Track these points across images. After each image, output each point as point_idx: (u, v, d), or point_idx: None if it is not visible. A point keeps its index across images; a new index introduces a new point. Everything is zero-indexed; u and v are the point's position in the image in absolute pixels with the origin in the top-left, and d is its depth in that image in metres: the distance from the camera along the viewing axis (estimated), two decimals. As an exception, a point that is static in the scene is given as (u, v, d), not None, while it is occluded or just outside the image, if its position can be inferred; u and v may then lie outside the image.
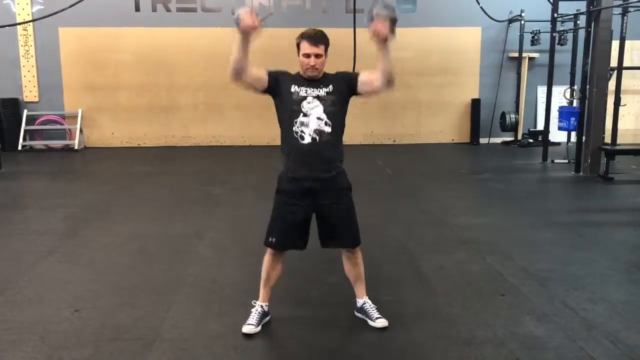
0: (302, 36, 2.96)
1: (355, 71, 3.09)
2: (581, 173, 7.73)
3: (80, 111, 10.34)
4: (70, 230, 5.14)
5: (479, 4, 9.40)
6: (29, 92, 10.36)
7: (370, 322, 3.15)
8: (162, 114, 10.66)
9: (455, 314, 3.33)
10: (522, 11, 10.47)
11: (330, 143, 2.99)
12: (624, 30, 8.17)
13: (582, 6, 8.77)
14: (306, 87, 2.99)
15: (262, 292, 3.21)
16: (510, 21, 10.75)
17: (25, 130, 10.21)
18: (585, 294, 3.60)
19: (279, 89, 3.01)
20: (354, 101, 3.12)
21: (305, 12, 10.47)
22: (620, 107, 8.12)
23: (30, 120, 10.30)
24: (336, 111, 3.00)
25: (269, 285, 3.20)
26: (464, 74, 10.99)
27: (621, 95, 8.14)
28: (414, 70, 10.44)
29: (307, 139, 2.94)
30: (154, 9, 10.36)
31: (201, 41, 10.46)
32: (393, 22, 2.75)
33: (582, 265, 4.19)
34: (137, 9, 10.32)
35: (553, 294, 3.61)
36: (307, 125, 2.95)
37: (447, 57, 10.82)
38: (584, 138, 7.82)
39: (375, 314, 3.16)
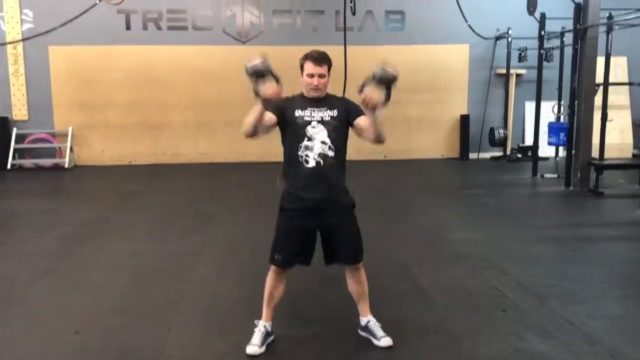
0: (306, 57, 3.04)
1: (359, 108, 3.01)
2: (571, 187, 7.83)
3: (70, 129, 10.28)
4: (65, 250, 5.09)
5: (466, 22, 9.56)
6: (18, 111, 10.29)
7: (375, 341, 3.15)
8: (153, 132, 10.64)
9: (457, 331, 3.35)
10: (509, 29, 10.63)
11: (333, 166, 3.04)
12: (609, 48, 8.35)
13: (567, 24, 8.95)
14: (310, 109, 3.04)
15: (265, 311, 3.20)
16: (498, 38, 10.92)
17: (15, 149, 10.13)
18: (584, 309, 3.64)
19: (285, 115, 3.06)
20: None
21: (296, 30, 10.56)
22: (607, 122, 8.26)
23: (20, 138, 10.22)
24: (339, 136, 3.07)
25: (272, 304, 3.19)
26: (452, 91, 11.12)
27: (607, 111, 8.29)
28: (403, 86, 10.32)
29: (312, 163, 3.00)
30: (145, 27, 10.38)
31: (192, 59, 10.49)
32: (391, 82, 2.82)
33: (578, 280, 4.24)
34: (128, 27, 10.34)
35: (553, 309, 3.64)
36: (311, 149, 3.00)
37: (436, 74, 10.94)
38: (573, 153, 7.92)
39: (380, 332, 3.16)
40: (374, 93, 2.83)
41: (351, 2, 8.72)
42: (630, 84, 10.36)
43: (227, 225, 6.04)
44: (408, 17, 10.75)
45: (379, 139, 3.03)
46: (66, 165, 10.09)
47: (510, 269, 4.44)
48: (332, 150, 3.02)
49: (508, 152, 11.05)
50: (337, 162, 3.05)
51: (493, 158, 11.11)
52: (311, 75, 3.01)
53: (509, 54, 10.81)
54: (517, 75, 11.11)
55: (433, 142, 11.21)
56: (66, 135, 10.28)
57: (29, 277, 4.36)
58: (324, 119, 3.04)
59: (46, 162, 10.29)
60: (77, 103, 10.40)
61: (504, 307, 3.68)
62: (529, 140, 10.92)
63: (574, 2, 7.75)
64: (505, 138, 10.91)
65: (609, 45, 8.32)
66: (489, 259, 4.72)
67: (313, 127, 3.01)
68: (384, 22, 10.67)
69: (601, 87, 7.98)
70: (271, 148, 11.18)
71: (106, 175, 9.54)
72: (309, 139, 3.01)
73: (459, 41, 10.83)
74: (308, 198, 3.01)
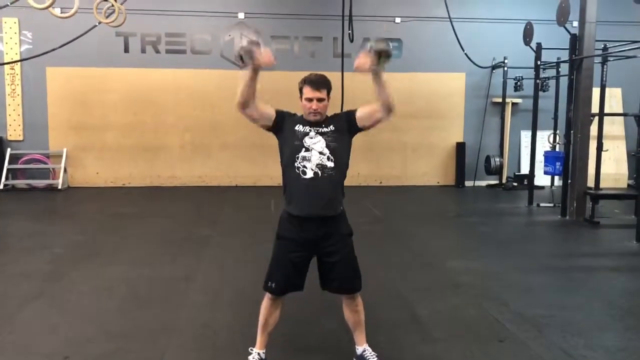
0: (305, 81, 2.99)
1: (353, 108, 3.09)
2: (567, 217, 7.81)
3: (65, 150, 10.24)
4: (57, 272, 5.01)
5: (463, 51, 9.63)
6: (14, 131, 10.25)
7: (371, 371, 3.09)
8: (148, 154, 10.61)
9: (455, 361, 3.28)
10: (505, 58, 10.74)
11: (332, 179, 2.96)
12: (604, 78, 8.42)
13: (562, 54, 9.04)
14: (310, 126, 3.00)
15: (259, 338, 3.13)
16: (494, 67, 11.01)
17: (8, 169, 10.06)
18: (582, 341, 3.58)
19: (284, 126, 3.03)
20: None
21: (294, 56, 10.62)
22: (602, 152, 8.28)
23: (14, 159, 10.17)
24: (338, 147, 2.99)
25: (267, 330, 3.13)
26: (449, 118, 11.17)
27: (602, 141, 8.32)
28: (400, 113, 10.39)
29: (309, 174, 2.92)
30: (143, 51, 10.43)
31: (189, 82, 10.53)
32: (384, 55, 2.79)
33: (576, 310, 4.19)
34: (127, 50, 10.39)
35: (551, 340, 3.59)
36: (309, 160, 2.93)
37: (433, 101, 11.01)
38: (569, 182, 7.92)
39: (375, 361, 3.10)
40: (365, 58, 2.79)
41: (349, 29, 8.82)
42: (625, 114, 10.43)
43: (222, 250, 5.97)
44: (405, 45, 10.84)
45: (389, 107, 2.93)
46: (59, 187, 10.02)
47: (509, 299, 4.38)
48: (331, 161, 2.95)
49: (504, 181, 11.05)
50: (336, 175, 2.97)
51: (489, 186, 11.11)
52: (310, 100, 2.96)
53: (504, 83, 10.90)
54: (513, 104, 11.17)
55: (429, 169, 11.22)
56: (60, 156, 10.23)
57: (18, 300, 4.27)
58: (323, 131, 2.99)
59: (39, 182, 10.22)
60: (73, 124, 10.38)
61: (502, 338, 3.63)
62: (524, 169, 10.96)
63: (569, 33, 7.84)
64: (501, 166, 10.93)
65: (604, 76, 8.41)
66: (487, 288, 4.67)
67: (311, 138, 2.96)
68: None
69: (596, 118, 8.03)
70: (266, 172, 11.22)
71: (100, 197, 9.47)
72: (307, 150, 2.94)
73: (456, 69, 10.91)
74: (305, 215, 2.93)
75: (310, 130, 2.98)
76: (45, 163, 10.31)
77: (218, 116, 10.58)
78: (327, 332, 3.68)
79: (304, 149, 2.95)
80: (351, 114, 3.07)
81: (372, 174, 10.98)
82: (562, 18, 7.85)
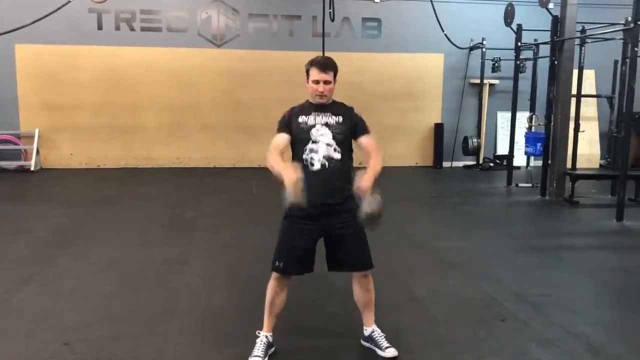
0: (312, 63, 3.01)
1: (364, 124, 3.07)
2: (547, 197, 7.94)
3: (37, 131, 9.92)
4: (43, 256, 4.87)
5: (443, 32, 9.63)
6: (-18, 111, 9.88)
7: (380, 352, 3.09)
8: (124, 135, 10.36)
9: (460, 341, 3.31)
10: (483, 39, 10.78)
11: (339, 169, 2.99)
12: (582, 60, 8.55)
13: (540, 35, 9.13)
14: (314, 114, 3.01)
15: (266, 321, 3.10)
16: (472, 48, 11.05)
17: (-23, 151, 9.72)
18: (581, 318, 3.65)
19: (292, 127, 3.03)
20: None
21: (272, 34, 10.45)
22: (579, 133, 8.44)
23: (-17, 139, 9.82)
24: (344, 139, 3.02)
25: (274, 312, 3.09)
26: (427, 99, 11.20)
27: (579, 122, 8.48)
28: (378, 94, 10.55)
29: (317, 166, 2.96)
30: (117, 28, 10.12)
31: (166, 61, 10.28)
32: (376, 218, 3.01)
33: (570, 288, 4.27)
34: (100, 28, 10.06)
35: (551, 318, 3.64)
36: (316, 152, 2.97)
37: (411, 82, 11.00)
38: (549, 162, 8.04)
39: (384, 343, 3.10)
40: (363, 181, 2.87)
41: (330, 8, 8.73)
42: (599, 96, 10.64)
43: (209, 232, 5.88)
44: (385, 25, 10.79)
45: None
46: (32, 168, 9.72)
47: (503, 278, 4.44)
48: (338, 152, 2.98)
49: (481, 161, 11.17)
50: (342, 165, 3.00)
51: (466, 167, 11.22)
52: (316, 82, 2.98)
53: (482, 64, 10.96)
54: (490, 85, 11.26)
55: (407, 149, 11.25)
56: (32, 137, 9.91)
57: (7, 285, 4.13)
58: (329, 122, 3.00)
59: (10, 164, 9.89)
60: (45, 104, 10.05)
61: (503, 317, 3.67)
62: (500, 150, 11.10)
63: (551, 14, 7.89)
64: (479, 147, 11.03)
65: (582, 58, 8.52)
66: (480, 268, 4.72)
67: (317, 130, 2.98)
68: (361, 29, 10.68)
69: (573, 99, 8.14)
70: (246, 154, 11.04)
71: (75, 179, 9.23)
72: (314, 142, 2.97)
73: (434, 50, 10.92)
74: (312, 204, 2.89)
75: (315, 123, 2.99)
76: (16, 144, 9.97)
77: (195, 97, 10.39)
78: (331, 315, 3.66)
79: (310, 141, 2.98)
80: (359, 129, 3.05)
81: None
82: (544, -1, 7.89)
